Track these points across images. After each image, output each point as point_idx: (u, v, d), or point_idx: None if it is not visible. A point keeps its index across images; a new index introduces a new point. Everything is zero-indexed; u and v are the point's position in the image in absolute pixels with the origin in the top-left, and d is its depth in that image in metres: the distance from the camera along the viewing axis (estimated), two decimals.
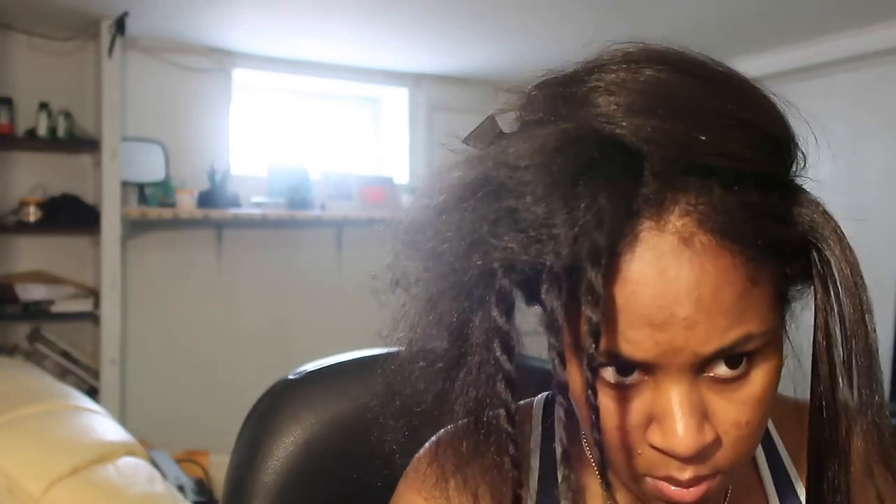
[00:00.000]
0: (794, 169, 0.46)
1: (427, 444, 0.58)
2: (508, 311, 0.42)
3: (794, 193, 0.45)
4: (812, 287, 0.46)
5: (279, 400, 0.75)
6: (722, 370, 0.43)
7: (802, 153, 0.46)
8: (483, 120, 0.48)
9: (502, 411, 0.44)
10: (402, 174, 4.04)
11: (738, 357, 0.43)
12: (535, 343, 0.45)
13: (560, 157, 0.41)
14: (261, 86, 3.82)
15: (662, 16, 3.04)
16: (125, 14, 2.98)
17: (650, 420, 0.45)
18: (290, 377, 0.77)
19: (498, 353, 0.42)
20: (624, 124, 0.42)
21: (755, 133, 0.43)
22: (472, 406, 0.46)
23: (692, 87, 0.43)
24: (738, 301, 0.42)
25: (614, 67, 0.44)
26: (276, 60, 3.65)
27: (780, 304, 0.46)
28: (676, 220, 0.41)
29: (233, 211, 3.41)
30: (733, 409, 0.44)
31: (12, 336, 3.16)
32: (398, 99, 4.09)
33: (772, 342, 0.45)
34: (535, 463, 0.58)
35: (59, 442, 1.49)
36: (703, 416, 0.44)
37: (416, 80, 4.02)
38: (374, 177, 4.00)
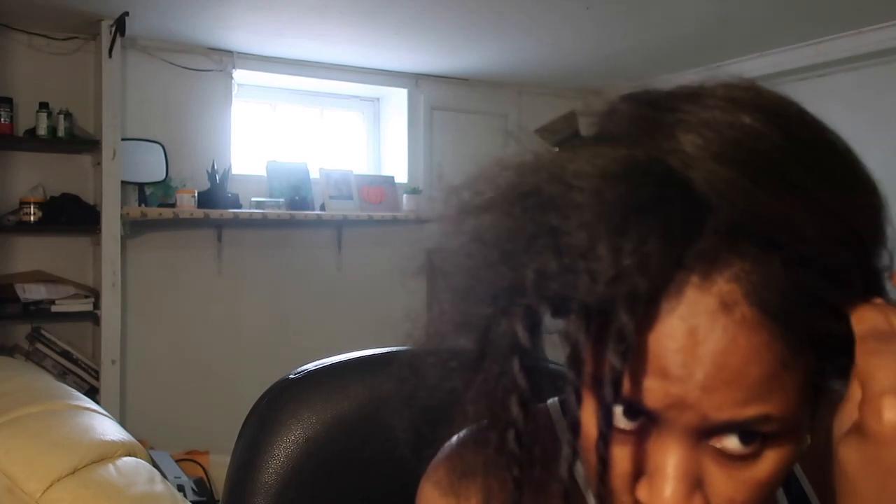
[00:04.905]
0: (873, 267, 0.42)
1: (447, 450, 0.55)
2: (533, 328, 0.40)
3: (865, 292, 0.41)
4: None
5: (279, 400, 0.75)
6: (732, 444, 0.40)
7: (890, 255, 0.42)
8: (564, 113, 0.45)
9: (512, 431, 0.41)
10: (401, 174, 4.04)
11: (753, 434, 0.40)
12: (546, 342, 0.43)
13: (618, 186, 0.38)
14: (261, 86, 3.82)
15: (663, 17, 3.04)
16: (125, 14, 2.98)
17: (643, 471, 0.42)
18: (290, 377, 0.77)
19: (516, 370, 0.40)
20: (699, 169, 0.38)
21: (841, 225, 0.39)
22: (483, 415, 0.43)
23: (790, 151, 0.39)
24: (764, 380, 0.39)
25: (712, 103, 0.41)
26: (276, 60, 3.66)
27: (812, 393, 0.42)
28: (724, 284, 0.38)
29: (233, 211, 3.41)
30: (731, 486, 0.41)
31: (12, 336, 3.16)
32: (398, 99, 4.09)
33: (792, 430, 0.41)
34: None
35: (59, 442, 1.49)
36: (695, 483, 0.41)
37: (416, 80, 4.02)
38: (374, 177, 4.00)
